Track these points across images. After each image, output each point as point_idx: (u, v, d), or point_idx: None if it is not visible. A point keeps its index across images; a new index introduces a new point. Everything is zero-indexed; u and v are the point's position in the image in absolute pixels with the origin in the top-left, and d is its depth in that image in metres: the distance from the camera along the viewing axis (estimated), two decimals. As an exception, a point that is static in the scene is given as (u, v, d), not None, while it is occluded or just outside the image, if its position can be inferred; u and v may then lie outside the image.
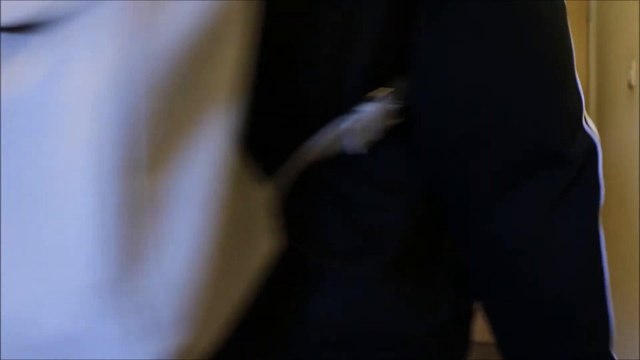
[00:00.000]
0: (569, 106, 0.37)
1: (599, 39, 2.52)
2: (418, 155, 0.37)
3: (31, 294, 0.23)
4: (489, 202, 0.36)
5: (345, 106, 0.34)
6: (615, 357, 0.36)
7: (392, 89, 0.35)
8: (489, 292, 0.38)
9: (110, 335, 0.23)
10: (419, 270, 0.37)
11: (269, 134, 0.32)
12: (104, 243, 0.22)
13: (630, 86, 1.80)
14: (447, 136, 0.36)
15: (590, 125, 0.37)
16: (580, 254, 0.36)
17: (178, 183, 0.23)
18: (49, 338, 0.23)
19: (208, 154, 0.24)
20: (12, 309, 0.23)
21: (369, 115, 0.34)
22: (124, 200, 0.22)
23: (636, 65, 1.72)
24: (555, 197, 0.36)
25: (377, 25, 0.33)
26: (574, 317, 0.36)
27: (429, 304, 0.37)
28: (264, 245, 0.29)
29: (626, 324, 1.78)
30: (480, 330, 0.42)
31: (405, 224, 0.36)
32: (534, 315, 0.36)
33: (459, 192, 0.37)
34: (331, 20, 0.33)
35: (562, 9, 0.36)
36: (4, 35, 0.23)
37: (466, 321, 0.39)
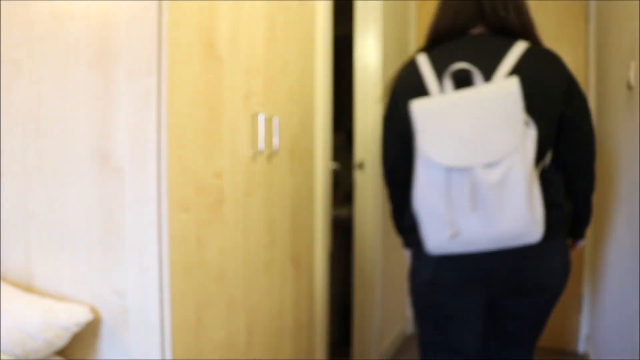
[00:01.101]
0: None
1: (598, 39, 2.52)
2: (557, 163, 1.29)
3: (505, 225, 1.15)
4: (579, 169, 1.31)
5: (546, 151, 1.24)
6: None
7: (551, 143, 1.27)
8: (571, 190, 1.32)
9: (533, 229, 1.14)
10: (563, 196, 1.27)
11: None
12: (528, 207, 1.14)
13: (629, 86, 1.79)
14: (565, 158, 1.28)
15: None
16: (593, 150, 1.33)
17: (510, 174, 1.12)
18: (513, 234, 1.14)
19: (525, 162, 1.13)
20: (503, 228, 1.14)
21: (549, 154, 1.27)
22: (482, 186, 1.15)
23: (635, 65, 1.71)
24: (591, 161, 1.32)
25: (556, 124, 1.25)
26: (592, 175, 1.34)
27: (563, 204, 1.26)
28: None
29: (626, 323, 1.78)
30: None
31: (562, 182, 1.28)
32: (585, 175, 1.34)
33: (568, 172, 1.29)
34: (542, 123, 1.20)
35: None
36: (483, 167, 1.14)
37: (569, 216, 1.29)
